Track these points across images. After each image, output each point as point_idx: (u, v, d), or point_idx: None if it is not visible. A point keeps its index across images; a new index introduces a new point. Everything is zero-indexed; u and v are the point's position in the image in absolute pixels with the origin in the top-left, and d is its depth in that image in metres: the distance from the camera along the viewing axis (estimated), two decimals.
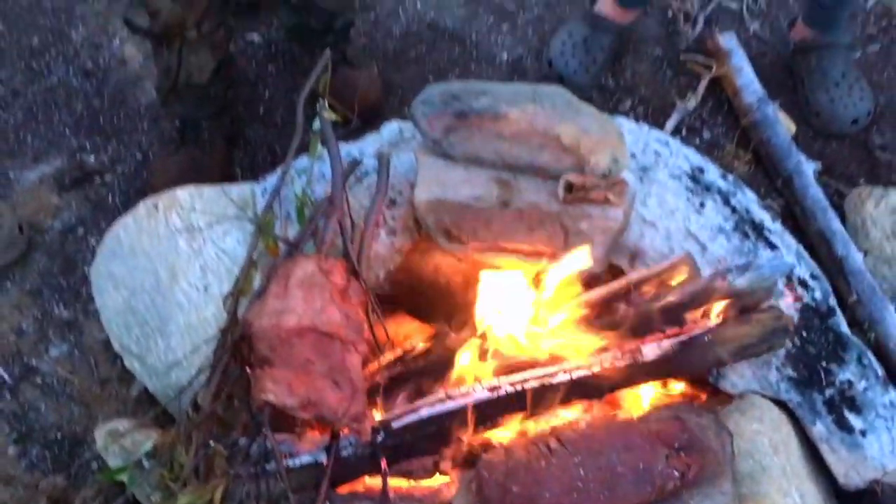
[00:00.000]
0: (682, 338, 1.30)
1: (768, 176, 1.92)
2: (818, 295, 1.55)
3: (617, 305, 1.35)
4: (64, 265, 1.77)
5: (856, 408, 1.47)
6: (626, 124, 1.66)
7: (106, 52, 2.08)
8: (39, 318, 1.71)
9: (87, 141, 1.95)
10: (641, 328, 1.31)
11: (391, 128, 1.66)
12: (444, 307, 1.50)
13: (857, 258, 1.74)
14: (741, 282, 1.31)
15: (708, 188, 1.62)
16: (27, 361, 1.66)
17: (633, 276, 1.37)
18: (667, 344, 1.29)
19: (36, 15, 2.14)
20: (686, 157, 1.66)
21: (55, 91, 2.02)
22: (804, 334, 1.49)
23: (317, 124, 1.50)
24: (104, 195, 1.87)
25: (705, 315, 1.31)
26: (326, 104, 1.45)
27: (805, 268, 1.58)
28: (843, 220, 1.83)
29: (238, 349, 1.34)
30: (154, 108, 1.99)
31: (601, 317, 1.35)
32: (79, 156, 1.92)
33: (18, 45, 2.09)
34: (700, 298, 1.32)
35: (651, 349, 1.29)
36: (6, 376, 1.64)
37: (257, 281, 1.42)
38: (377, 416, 1.32)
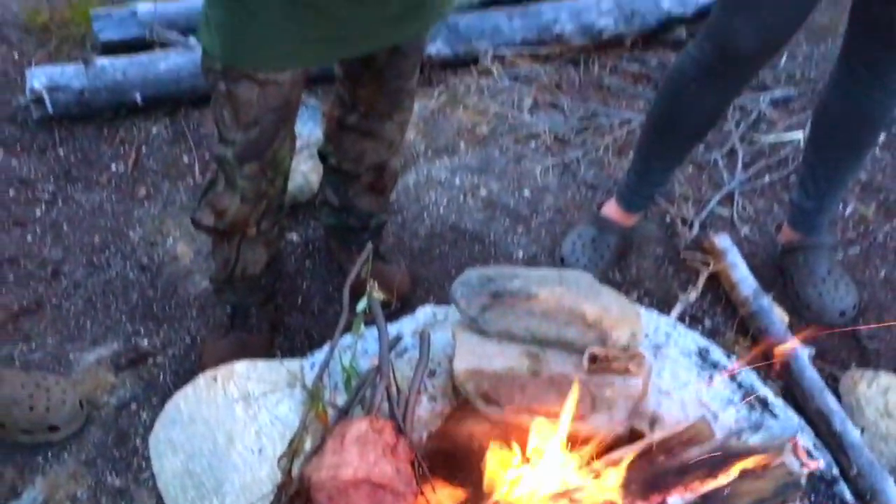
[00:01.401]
0: (703, 491, 1.42)
1: (767, 360, 2.09)
2: (822, 464, 1.69)
3: (641, 463, 1.48)
4: (117, 438, 1.89)
5: None
6: (638, 309, 1.85)
7: (160, 249, 2.30)
8: (93, 486, 1.81)
9: (141, 326, 2.12)
10: (665, 483, 1.43)
11: (425, 311, 1.84)
12: (476, 471, 1.63)
13: (854, 434, 1.87)
14: (754, 440, 1.45)
15: (715, 365, 1.78)
16: None
17: (655, 436, 1.51)
18: (690, 497, 1.41)
19: (98, 217, 2.38)
20: (693, 339, 1.84)
21: (113, 283, 2.22)
22: (813, 498, 1.61)
23: (360, 306, 1.68)
24: (156, 375, 2.02)
25: (723, 471, 1.43)
26: (376, 284, 1.63)
27: (808, 439, 1.72)
28: (839, 399, 1.98)
29: None
30: (202, 297, 2.18)
31: (627, 474, 1.47)
32: (133, 340, 2.09)
33: (81, 243, 2.30)
34: (718, 456, 1.45)
35: (676, 502, 1.41)
36: None
37: (308, 443, 1.55)
38: None
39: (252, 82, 1.62)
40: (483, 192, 2.47)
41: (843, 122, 1.98)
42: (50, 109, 2.56)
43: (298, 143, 2.29)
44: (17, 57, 2.88)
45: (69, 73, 2.58)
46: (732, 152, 2.61)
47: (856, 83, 1.90)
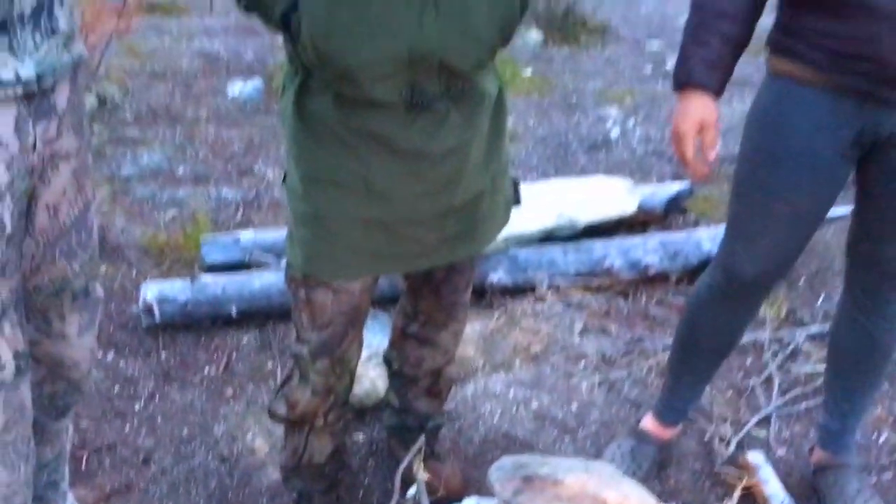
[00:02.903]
0: None
1: None
2: None
3: None
4: None
5: None
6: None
7: (240, 443, 2.56)
8: None
9: None
10: None
11: (470, 500, 2.04)
12: None
13: None
14: None
15: None
16: None
17: None
18: None
19: (188, 413, 2.67)
20: None
21: (196, 471, 2.47)
22: None
23: (410, 492, 1.89)
24: None
25: None
26: (422, 466, 1.86)
27: None
28: None
29: None
30: (273, 487, 2.41)
31: None
32: None
33: (172, 435, 2.59)
34: None
35: None
36: None
37: None
38: None
39: (327, 289, 1.93)
40: (534, 404, 2.70)
41: (853, 349, 2.19)
42: (157, 318, 2.94)
43: (368, 352, 2.59)
44: (134, 274, 3.32)
45: (176, 288, 2.98)
46: (770, 380, 2.80)
47: (860, 311, 2.12)
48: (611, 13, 6.91)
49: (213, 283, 3.00)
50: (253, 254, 3.19)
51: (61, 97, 1.75)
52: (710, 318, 2.15)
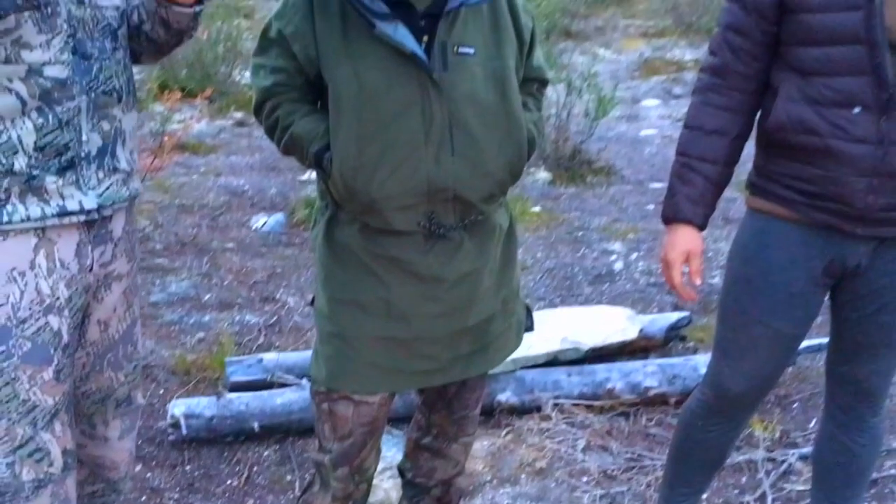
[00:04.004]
0: None
1: None
2: None
3: None
4: None
5: None
6: None
7: None
8: None
9: None
10: None
11: None
12: None
13: None
14: None
15: None
16: None
17: None
18: None
19: None
20: None
21: None
22: None
23: None
24: None
25: None
26: None
27: None
28: None
29: None
30: None
31: None
32: None
33: None
34: None
35: None
36: None
37: None
38: None
39: (349, 402, 2.12)
40: None
41: (834, 464, 2.35)
42: (184, 432, 3.11)
43: (383, 465, 2.75)
44: (161, 392, 3.51)
45: (203, 404, 3.17)
46: (763, 496, 2.93)
47: (838, 427, 2.29)
48: (615, 155, 7.26)
49: (238, 399, 3.19)
50: (275, 374, 3.38)
51: (118, 226, 2.00)
52: (701, 432, 2.32)
